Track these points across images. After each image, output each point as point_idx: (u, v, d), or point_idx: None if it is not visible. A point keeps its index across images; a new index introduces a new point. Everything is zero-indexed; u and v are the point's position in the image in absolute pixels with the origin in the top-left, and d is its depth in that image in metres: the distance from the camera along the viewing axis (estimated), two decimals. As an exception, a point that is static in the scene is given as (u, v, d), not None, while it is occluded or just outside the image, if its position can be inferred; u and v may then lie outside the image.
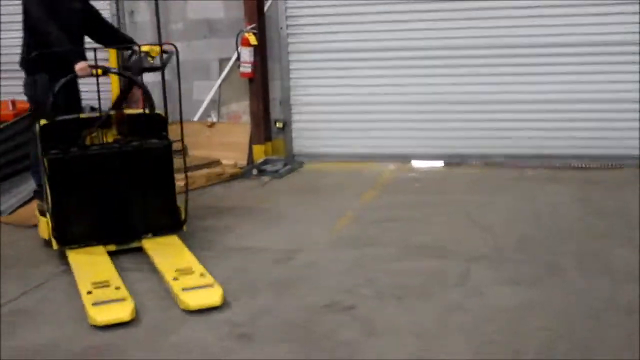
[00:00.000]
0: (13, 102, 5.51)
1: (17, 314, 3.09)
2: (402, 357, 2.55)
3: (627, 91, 5.22)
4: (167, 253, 3.58)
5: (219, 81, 6.14)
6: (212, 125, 6.12)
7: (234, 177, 5.52)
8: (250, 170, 5.69)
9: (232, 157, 5.78)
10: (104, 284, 3.16)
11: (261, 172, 5.64)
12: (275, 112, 6.08)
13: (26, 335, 2.87)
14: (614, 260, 3.42)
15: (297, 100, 6.02)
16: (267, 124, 6.04)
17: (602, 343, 2.59)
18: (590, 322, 2.77)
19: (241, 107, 6.11)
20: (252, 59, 5.75)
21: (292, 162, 5.93)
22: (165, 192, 3.85)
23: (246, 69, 5.80)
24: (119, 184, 3.73)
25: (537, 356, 2.53)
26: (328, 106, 5.93)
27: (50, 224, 3.64)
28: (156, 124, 3.84)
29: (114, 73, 4.55)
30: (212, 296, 3.02)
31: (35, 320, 3.02)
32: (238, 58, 5.87)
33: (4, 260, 3.82)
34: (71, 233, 3.68)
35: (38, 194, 4.07)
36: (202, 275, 3.24)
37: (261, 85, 5.92)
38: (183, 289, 3.07)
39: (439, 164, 5.68)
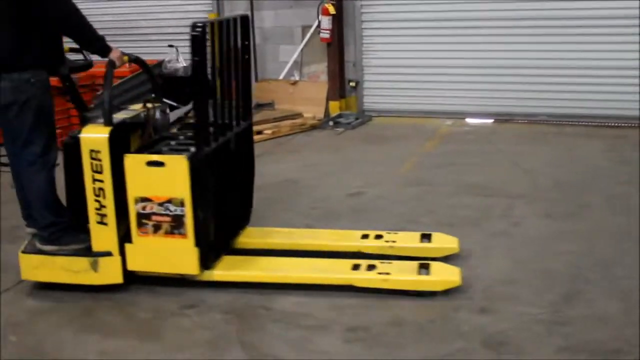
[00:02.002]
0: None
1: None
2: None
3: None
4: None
5: (302, 45, 6.48)
6: (294, 83, 6.52)
7: (313, 127, 5.96)
8: (327, 122, 6.10)
9: (312, 110, 6.21)
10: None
11: (336, 124, 6.06)
12: (349, 72, 6.41)
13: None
14: (634, 202, 3.63)
15: (368, 62, 6.37)
16: (342, 83, 6.39)
17: (617, 263, 2.90)
18: (610, 248, 3.06)
19: (320, 68, 6.48)
20: (330, 26, 6.11)
21: (363, 116, 6.31)
22: (249, 178, 3.27)
23: (325, 34, 6.16)
24: (232, 175, 3.06)
25: (564, 270, 2.84)
26: (394, 68, 6.25)
27: (191, 246, 2.68)
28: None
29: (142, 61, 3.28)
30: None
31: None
32: (318, 25, 6.23)
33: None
34: (213, 249, 2.81)
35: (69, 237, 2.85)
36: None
37: (337, 49, 6.27)
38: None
39: (489, 120, 5.92)
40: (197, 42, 2.55)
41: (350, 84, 6.38)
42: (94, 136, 2.67)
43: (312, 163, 4.80)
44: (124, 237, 2.76)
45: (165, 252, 2.72)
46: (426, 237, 3.08)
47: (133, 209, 2.70)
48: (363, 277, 2.70)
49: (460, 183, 4.17)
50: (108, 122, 2.71)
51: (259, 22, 6.45)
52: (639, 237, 3.12)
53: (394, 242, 3.03)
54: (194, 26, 2.55)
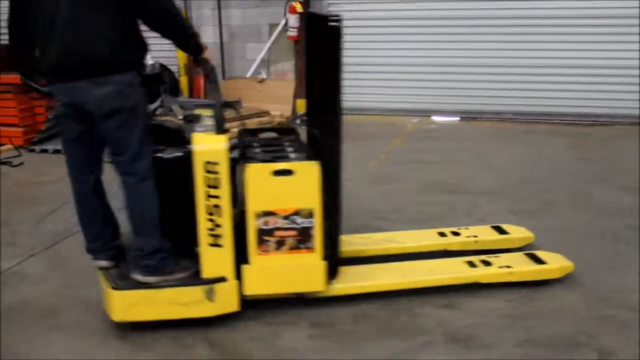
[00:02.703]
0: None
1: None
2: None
3: (621, 58, 5.62)
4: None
5: (269, 43, 6.32)
6: (262, 81, 6.29)
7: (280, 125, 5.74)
8: (294, 120, 5.92)
9: (279, 109, 6.02)
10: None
11: (303, 122, 5.81)
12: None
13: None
14: (597, 198, 3.76)
15: None
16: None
17: (579, 253, 2.90)
18: (573, 242, 3.10)
19: (287, 66, 6.35)
20: (298, 24, 5.95)
21: None
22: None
23: (292, 32, 6.05)
24: None
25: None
26: (361, 66, 6.21)
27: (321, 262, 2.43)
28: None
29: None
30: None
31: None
32: (286, 23, 6.07)
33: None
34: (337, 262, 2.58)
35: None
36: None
37: (305, 47, 6.01)
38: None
39: (456, 118, 6.08)
40: (337, 35, 2.28)
41: None
42: (211, 147, 2.27)
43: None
44: (237, 258, 2.39)
45: (289, 270, 2.42)
46: (497, 229, 3.12)
47: (253, 226, 2.35)
48: (489, 273, 2.66)
49: (427, 180, 4.17)
50: (221, 130, 2.32)
51: (226, 20, 6.17)
52: (601, 234, 3.20)
53: (475, 236, 3.02)
54: (330, 18, 2.27)
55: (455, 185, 4.08)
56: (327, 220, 2.43)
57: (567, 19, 5.78)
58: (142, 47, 2.30)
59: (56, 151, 5.05)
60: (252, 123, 5.49)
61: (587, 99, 5.85)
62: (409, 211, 3.60)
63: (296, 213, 2.36)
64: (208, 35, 6.02)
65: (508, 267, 2.70)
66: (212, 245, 2.32)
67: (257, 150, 2.55)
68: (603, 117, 5.73)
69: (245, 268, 2.39)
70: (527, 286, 2.66)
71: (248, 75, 6.38)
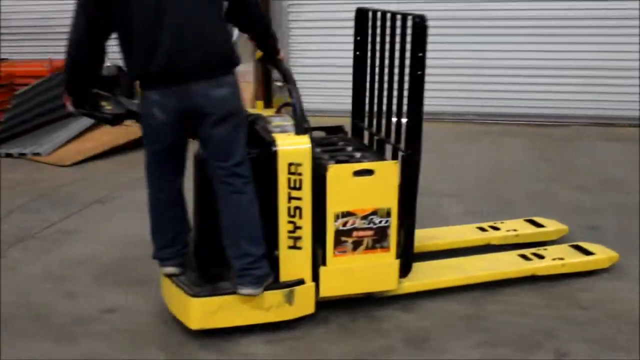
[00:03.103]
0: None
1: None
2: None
3: (578, 59, 5.72)
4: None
5: None
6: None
7: None
8: None
9: None
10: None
11: None
12: (276, 72, 6.02)
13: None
14: (555, 198, 3.82)
15: (296, 62, 6.15)
16: (269, 83, 5.96)
17: None
18: None
19: (247, 68, 5.88)
20: None
21: None
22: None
23: None
24: None
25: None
26: (322, 68, 6.10)
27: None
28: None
29: None
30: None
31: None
32: None
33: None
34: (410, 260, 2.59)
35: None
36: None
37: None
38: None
39: None
40: (423, 34, 2.28)
41: (278, 84, 6.04)
42: (295, 148, 2.24)
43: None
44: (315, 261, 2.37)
45: (364, 270, 2.42)
46: (531, 222, 3.22)
47: (332, 227, 2.33)
48: (544, 265, 2.74)
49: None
50: (303, 129, 2.29)
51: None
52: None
53: (515, 230, 3.11)
54: (417, 16, 2.27)
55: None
56: (403, 220, 2.44)
57: (521, 20, 5.82)
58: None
59: (21, 154, 4.86)
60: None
61: (545, 100, 5.87)
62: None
63: (374, 213, 2.35)
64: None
65: (561, 259, 2.80)
66: (292, 247, 2.29)
67: (318, 150, 2.50)
68: (562, 118, 5.87)
69: (322, 270, 2.36)
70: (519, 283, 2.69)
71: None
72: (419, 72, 2.37)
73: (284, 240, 2.28)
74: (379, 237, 2.39)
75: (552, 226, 3.21)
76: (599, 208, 3.67)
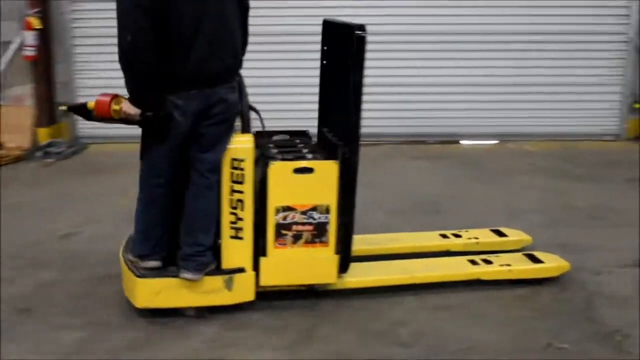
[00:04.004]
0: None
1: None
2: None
3: (456, 76, 5.57)
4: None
5: (2, 65, 5.35)
6: (-5, 108, 5.38)
7: (18, 159, 5.02)
8: (35, 152, 5.16)
9: (16, 140, 5.22)
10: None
11: (46, 154, 5.14)
12: (60, 95, 5.47)
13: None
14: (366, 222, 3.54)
15: (82, 83, 5.54)
16: (51, 107, 5.37)
17: None
18: None
19: (25, 90, 5.38)
20: (36, 43, 5.18)
21: (77, 144, 5.47)
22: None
23: (30, 52, 5.20)
24: None
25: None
26: (113, 89, 5.37)
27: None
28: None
29: None
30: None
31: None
32: (22, 42, 5.23)
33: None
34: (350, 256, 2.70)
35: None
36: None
37: (45, 68, 5.36)
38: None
39: None
40: (363, 45, 2.41)
41: (62, 108, 5.54)
42: (238, 145, 2.46)
43: (17, 202, 3.99)
44: (256, 251, 2.54)
45: (303, 263, 2.57)
46: (496, 232, 3.29)
47: (272, 220, 2.50)
48: (489, 270, 2.83)
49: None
50: (249, 129, 2.51)
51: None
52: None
53: (476, 238, 3.19)
54: (358, 27, 2.42)
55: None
56: (341, 217, 2.57)
57: (428, 35, 5.52)
58: None
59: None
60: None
61: (425, 118, 5.65)
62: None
63: (314, 209, 2.51)
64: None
65: (508, 265, 2.87)
66: (233, 237, 2.47)
67: (275, 150, 2.69)
68: (371, 137, 5.41)
69: (263, 260, 2.53)
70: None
71: (-20, 102, 5.28)
72: (357, 80, 2.48)
73: (226, 230, 2.47)
74: (318, 232, 2.54)
75: (515, 236, 3.27)
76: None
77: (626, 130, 5.91)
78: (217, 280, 2.48)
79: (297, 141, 2.87)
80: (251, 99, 2.58)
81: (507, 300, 2.70)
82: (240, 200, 2.45)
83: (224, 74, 2.39)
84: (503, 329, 2.45)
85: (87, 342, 2.36)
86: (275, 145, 2.75)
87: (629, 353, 2.34)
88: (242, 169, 2.43)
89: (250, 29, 2.52)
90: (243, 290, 2.51)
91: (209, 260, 2.48)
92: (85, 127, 5.47)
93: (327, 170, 2.51)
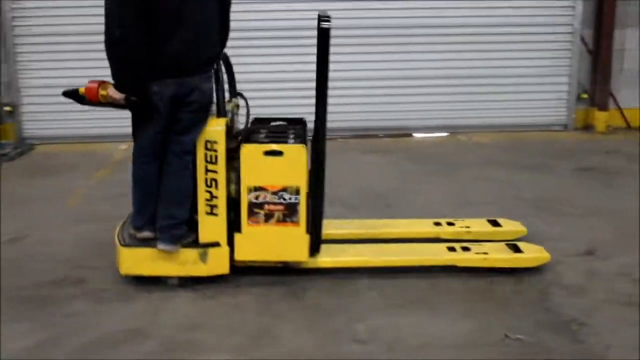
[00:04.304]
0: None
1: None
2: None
3: (405, 69, 5.59)
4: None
5: None
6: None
7: None
8: None
9: None
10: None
11: (16, 153, 5.09)
12: (3, 95, 5.45)
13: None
14: (404, 205, 3.78)
15: (26, 83, 5.49)
16: None
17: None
18: None
19: None
20: None
21: (23, 145, 5.40)
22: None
23: None
24: None
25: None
26: (58, 89, 5.06)
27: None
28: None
29: None
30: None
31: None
32: None
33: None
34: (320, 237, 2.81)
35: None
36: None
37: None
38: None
39: None
40: (326, 36, 2.51)
41: (5, 108, 5.30)
42: (212, 128, 2.64)
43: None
44: (230, 227, 2.72)
45: (276, 240, 2.72)
46: (492, 222, 3.26)
47: (245, 199, 2.67)
48: (465, 257, 2.84)
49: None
50: (223, 113, 2.69)
51: None
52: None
53: (468, 227, 3.19)
54: (323, 18, 2.50)
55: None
56: (312, 200, 2.69)
57: (370, 29, 5.52)
58: None
59: None
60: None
61: (379, 112, 5.64)
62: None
63: (284, 189, 2.65)
64: None
65: (485, 253, 2.86)
66: (209, 214, 2.67)
67: (262, 135, 2.84)
68: (399, 129, 5.61)
69: (237, 236, 2.71)
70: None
71: None
72: (322, 70, 2.58)
73: (202, 206, 2.67)
74: (289, 212, 2.68)
75: (510, 226, 3.23)
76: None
77: (574, 120, 5.86)
78: (193, 253, 2.69)
79: (290, 128, 2.98)
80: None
81: (464, 293, 2.71)
82: (214, 180, 2.64)
83: (202, 65, 2.58)
84: (460, 323, 2.46)
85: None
86: (267, 131, 2.90)
87: (585, 342, 2.29)
88: (215, 150, 2.62)
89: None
90: (218, 263, 2.70)
91: (183, 233, 2.68)
92: (31, 127, 5.54)
93: (296, 154, 2.65)
